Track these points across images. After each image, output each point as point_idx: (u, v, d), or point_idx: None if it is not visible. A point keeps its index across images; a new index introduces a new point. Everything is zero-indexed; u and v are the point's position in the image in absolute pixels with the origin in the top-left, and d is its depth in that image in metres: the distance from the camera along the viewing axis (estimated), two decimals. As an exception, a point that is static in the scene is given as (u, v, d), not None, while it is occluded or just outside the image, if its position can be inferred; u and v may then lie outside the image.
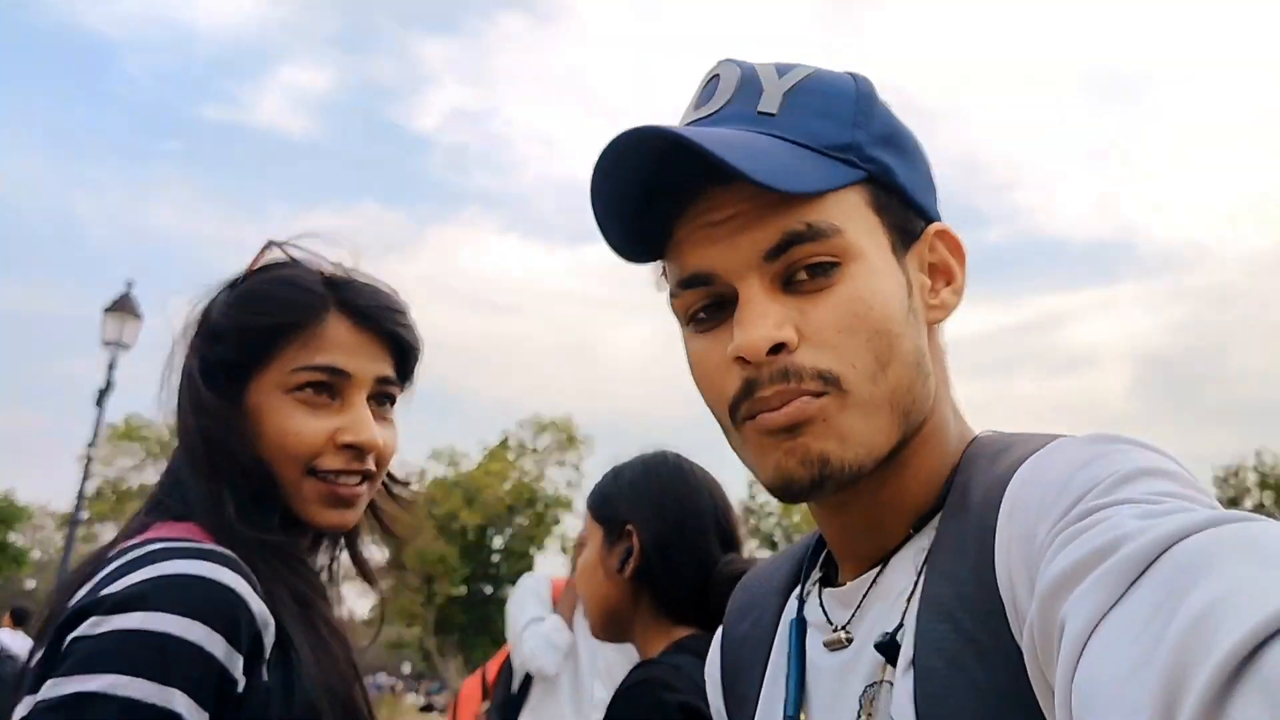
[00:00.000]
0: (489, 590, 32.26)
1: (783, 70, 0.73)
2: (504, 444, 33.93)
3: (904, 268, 0.71)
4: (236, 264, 1.12)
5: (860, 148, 0.70)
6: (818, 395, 0.66)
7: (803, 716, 0.74)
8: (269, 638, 0.90)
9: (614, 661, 3.14)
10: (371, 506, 1.16)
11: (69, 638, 0.83)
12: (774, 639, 0.82)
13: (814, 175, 0.68)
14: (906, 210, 0.73)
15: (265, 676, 0.90)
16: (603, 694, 3.09)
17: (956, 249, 0.76)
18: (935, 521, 0.70)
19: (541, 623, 3.23)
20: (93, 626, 0.83)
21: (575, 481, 31.86)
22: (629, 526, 1.47)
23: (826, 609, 0.76)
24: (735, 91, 0.72)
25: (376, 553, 1.21)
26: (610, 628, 1.52)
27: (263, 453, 1.02)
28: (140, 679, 0.80)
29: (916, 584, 0.67)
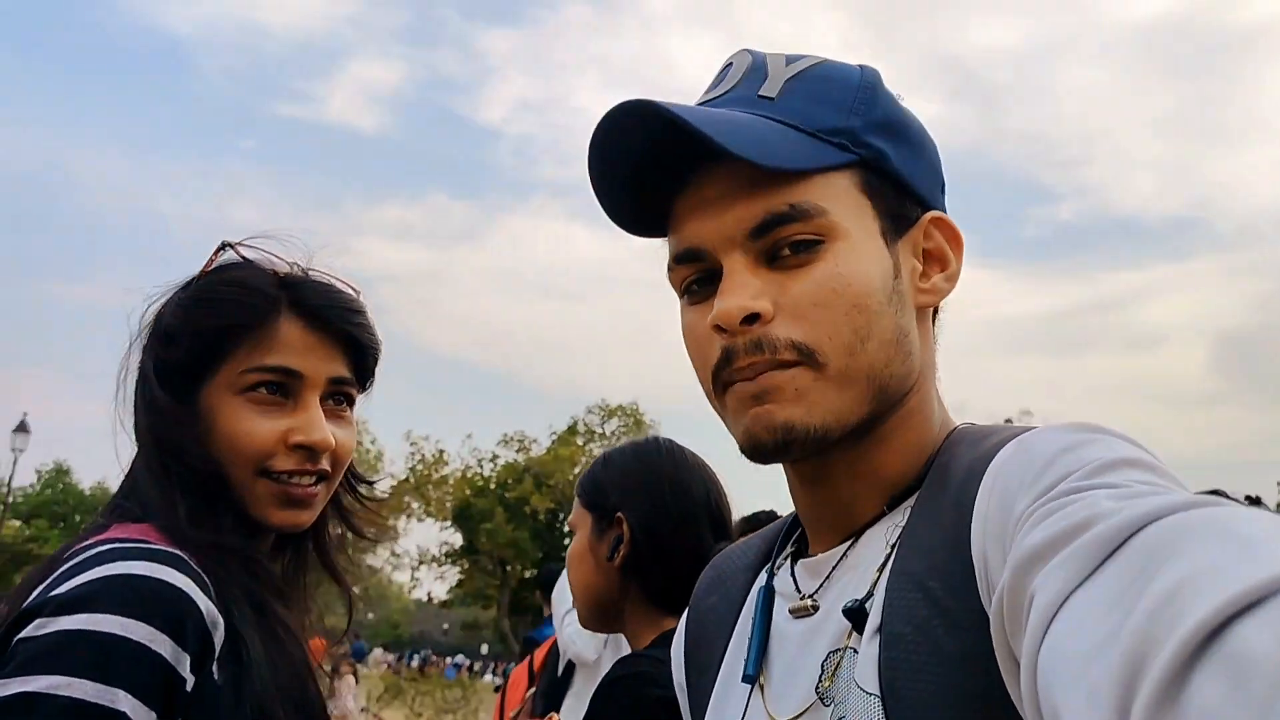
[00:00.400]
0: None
1: (792, 59, 0.75)
2: (573, 429, 34.25)
3: (893, 251, 0.72)
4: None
5: (854, 133, 0.72)
6: (790, 365, 0.68)
7: (762, 679, 0.75)
8: (219, 637, 0.91)
9: None
10: (337, 506, 1.18)
11: (15, 639, 0.84)
12: (740, 611, 0.83)
13: (799, 154, 0.69)
14: (901, 196, 0.74)
15: (216, 675, 0.90)
16: None
17: (954, 237, 0.77)
18: (911, 500, 0.71)
19: None
20: (38, 628, 0.84)
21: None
22: (619, 514, 1.44)
23: (796, 579, 0.77)
24: (742, 77, 0.75)
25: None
26: (599, 617, 1.49)
27: (215, 454, 1.02)
28: (82, 679, 0.81)
29: (889, 556, 0.68)
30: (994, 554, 0.59)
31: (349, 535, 1.22)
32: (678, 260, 0.74)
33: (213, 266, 1.10)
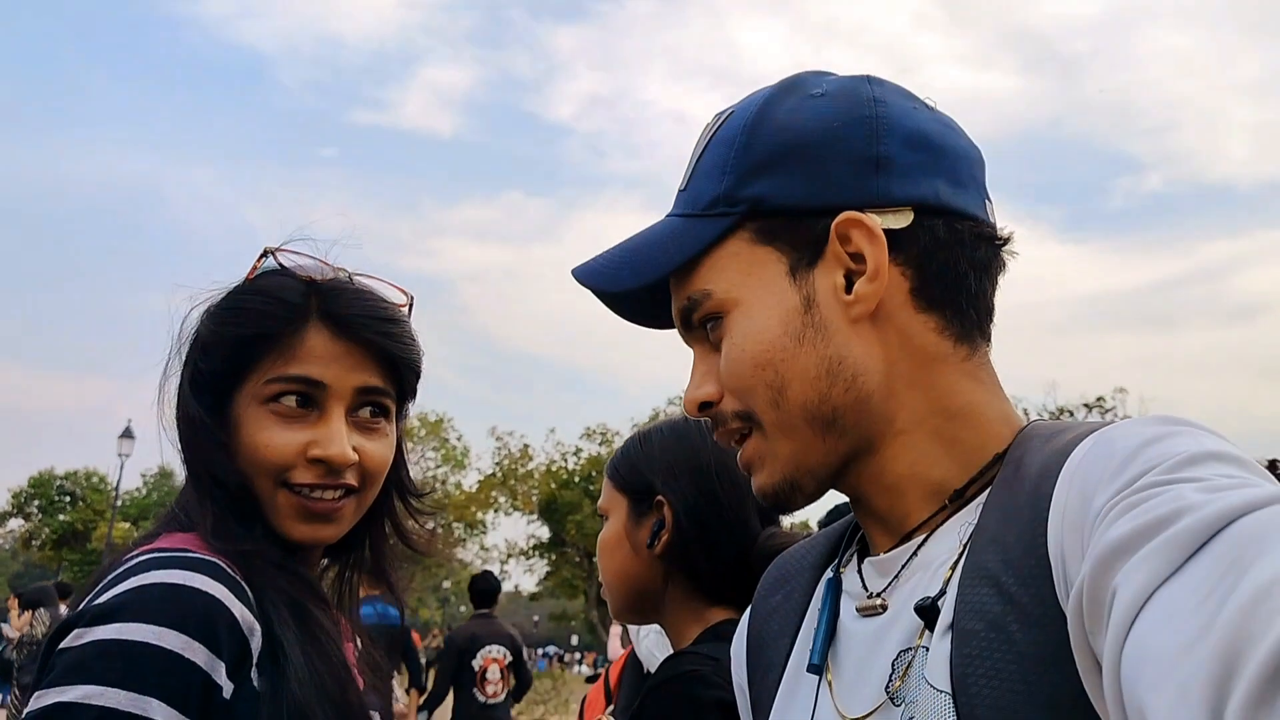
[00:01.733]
0: (647, 564, 32.61)
1: (718, 119, 0.78)
2: (653, 420, 34.27)
3: (805, 284, 0.72)
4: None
5: (729, 194, 0.74)
6: (746, 435, 0.75)
7: (830, 675, 0.74)
8: (256, 643, 0.92)
9: None
10: (392, 518, 1.17)
11: (56, 649, 0.86)
12: (806, 610, 0.82)
13: (676, 249, 0.75)
14: (800, 224, 0.72)
15: (255, 681, 0.91)
16: None
17: (870, 234, 0.71)
18: (982, 497, 0.70)
19: None
20: (75, 638, 0.85)
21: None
22: (659, 497, 1.34)
23: (864, 577, 0.76)
24: (686, 166, 0.80)
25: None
26: (634, 609, 1.39)
27: (240, 465, 1.02)
28: (115, 689, 0.82)
29: (961, 554, 0.67)
30: (1071, 548, 0.57)
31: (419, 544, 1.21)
32: None
33: (256, 274, 1.09)
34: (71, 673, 0.83)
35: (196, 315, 1.09)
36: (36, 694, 0.84)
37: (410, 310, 1.15)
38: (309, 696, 0.93)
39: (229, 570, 0.94)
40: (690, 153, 0.80)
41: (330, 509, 1.04)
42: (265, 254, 1.10)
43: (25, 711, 0.85)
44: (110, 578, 0.91)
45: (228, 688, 0.88)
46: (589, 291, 0.80)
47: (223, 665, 0.88)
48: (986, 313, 0.75)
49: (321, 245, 1.12)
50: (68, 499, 43.54)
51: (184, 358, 1.08)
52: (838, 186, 0.72)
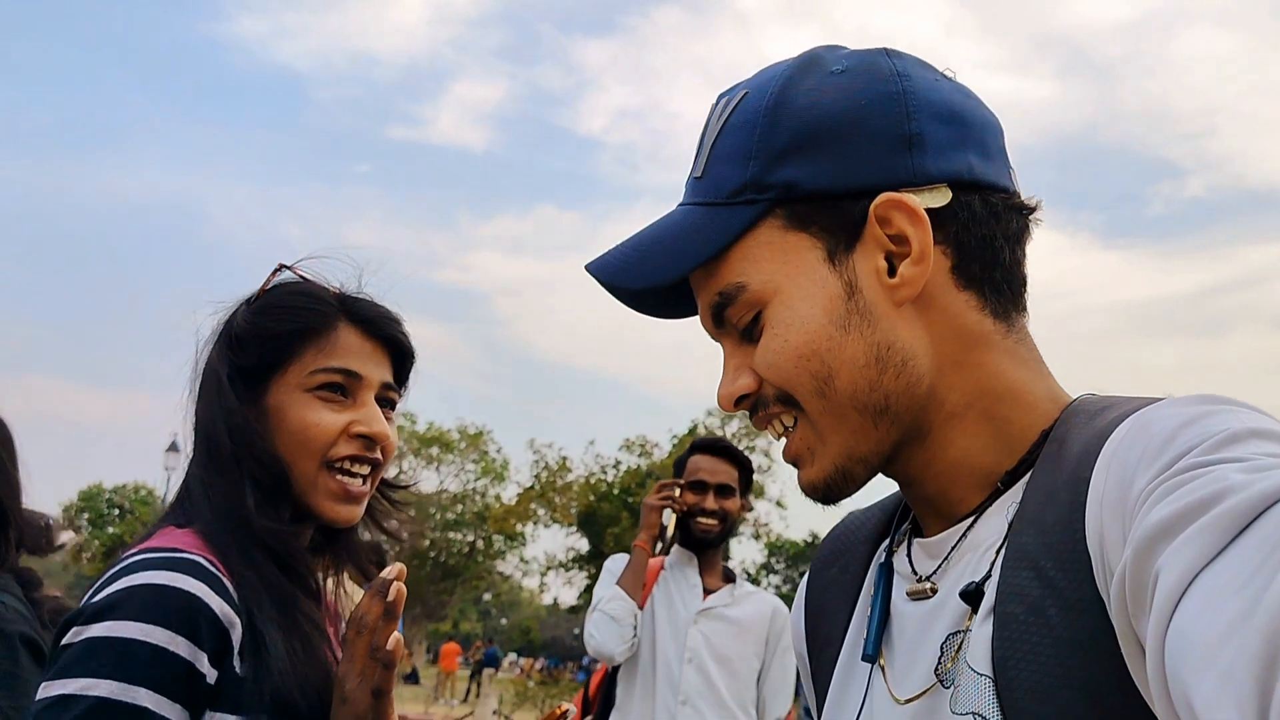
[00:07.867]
0: (687, 576, 32.48)
1: (727, 105, 0.74)
2: (693, 432, 34.26)
3: (845, 269, 0.70)
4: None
5: (757, 180, 0.70)
6: (789, 426, 0.73)
7: (882, 659, 0.74)
8: (236, 634, 1.01)
9: (721, 644, 2.91)
10: (369, 511, 1.25)
11: (59, 644, 0.99)
12: (862, 584, 0.82)
13: (704, 241, 0.71)
14: (835, 207, 0.70)
15: (238, 668, 1.01)
16: (697, 681, 2.88)
17: (910, 213, 0.69)
18: (1028, 476, 0.68)
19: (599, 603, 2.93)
20: (74, 635, 0.98)
21: (765, 467, 31.82)
22: None
23: (913, 559, 0.76)
24: (695, 154, 0.76)
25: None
26: None
27: (281, 449, 1.14)
28: (107, 680, 0.93)
29: (1006, 535, 0.66)
30: (1112, 534, 0.56)
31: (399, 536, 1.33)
32: None
33: (271, 285, 1.23)
34: (71, 667, 0.95)
35: (215, 321, 1.21)
36: (44, 685, 0.95)
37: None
38: (290, 684, 1.03)
39: (211, 567, 1.03)
40: (700, 137, 0.76)
41: (361, 493, 1.18)
42: (280, 268, 1.24)
43: (35, 702, 0.95)
44: (107, 576, 1.02)
45: (211, 675, 0.99)
46: (600, 285, 0.77)
47: (204, 655, 0.98)
48: (1021, 283, 0.74)
49: (327, 263, 1.27)
50: (116, 512, 44.34)
51: (214, 358, 1.18)
52: (871, 167, 0.69)
